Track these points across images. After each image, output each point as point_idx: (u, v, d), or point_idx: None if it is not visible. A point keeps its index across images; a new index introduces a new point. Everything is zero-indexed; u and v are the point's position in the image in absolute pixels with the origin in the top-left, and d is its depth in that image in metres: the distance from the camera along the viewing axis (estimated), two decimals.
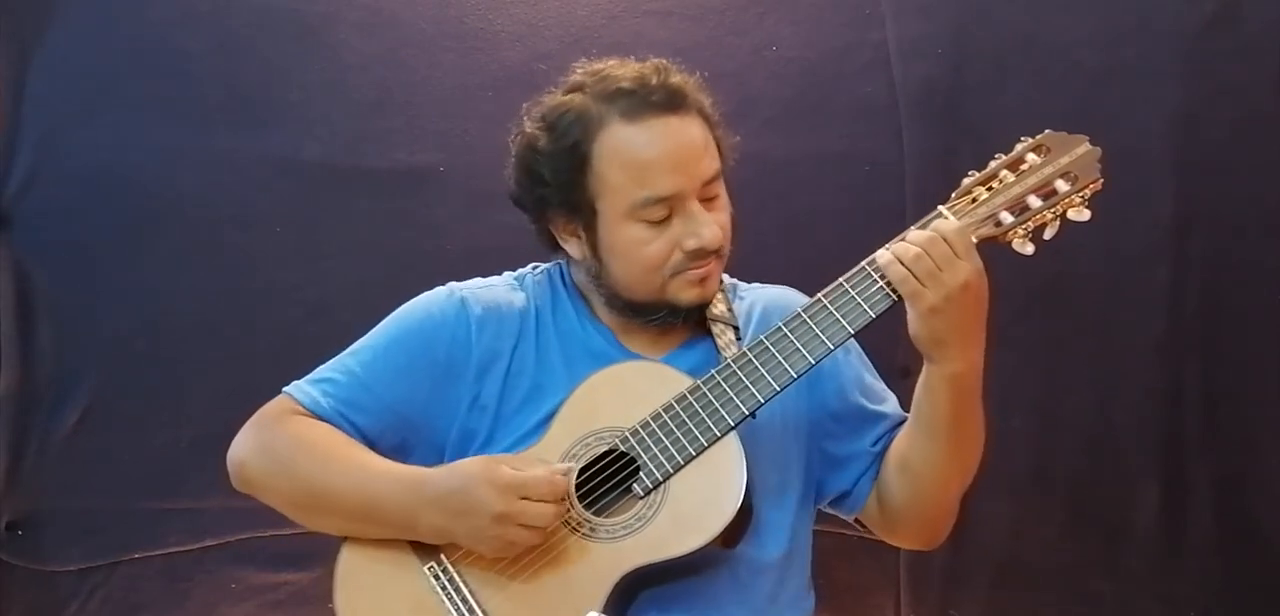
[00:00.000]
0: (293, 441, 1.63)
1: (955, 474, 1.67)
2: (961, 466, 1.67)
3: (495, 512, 1.50)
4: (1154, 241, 2.42)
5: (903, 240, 1.52)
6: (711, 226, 1.60)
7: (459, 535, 1.54)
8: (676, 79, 1.63)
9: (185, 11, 2.52)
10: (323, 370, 1.69)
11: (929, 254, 1.49)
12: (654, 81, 1.61)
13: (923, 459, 1.63)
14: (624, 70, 1.63)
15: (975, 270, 1.50)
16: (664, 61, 1.65)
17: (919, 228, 1.54)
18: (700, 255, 1.61)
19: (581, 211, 1.64)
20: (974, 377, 1.57)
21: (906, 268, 1.50)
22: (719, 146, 1.66)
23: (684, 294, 1.64)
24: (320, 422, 1.64)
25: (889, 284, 1.52)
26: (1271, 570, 2.42)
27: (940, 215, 1.55)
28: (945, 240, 1.49)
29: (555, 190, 1.64)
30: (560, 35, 2.50)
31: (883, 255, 1.53)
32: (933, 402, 1.58)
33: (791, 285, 1.76)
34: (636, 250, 1.62)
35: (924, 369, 1.58)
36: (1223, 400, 2.42)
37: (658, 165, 1.59)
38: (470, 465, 1.55)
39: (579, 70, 1.68)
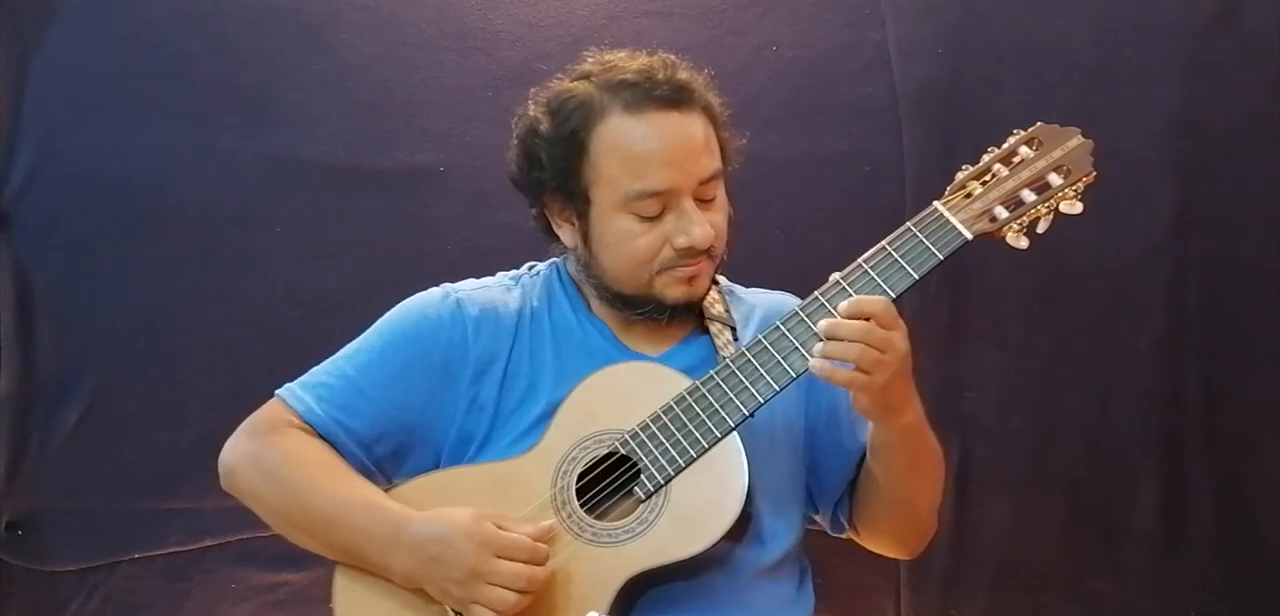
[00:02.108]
0: (283, 458, 1.62)
1: (924, 498, 1.70)
2: (930, 490, 1.70)
3: (469, 568, 1.48)
4: (1154, 241, 2.42)
5: (833, 337, 1.45)
6: (703, 226, 1.60)
7: (428, 584, 1.52)
8: (683, 75, 1.63)
9: (185, 11, 2.52)
10: (316, 373, 1.69)
11: (868, 343, 1.44)
12: (660, 76, 1.61)
13: (890, 499, 1.65)
14: (632, 62, 1.63)
15: (903, 330, 1.48)
16: (673, 57, 1.65)
17: (825, 298, 1.51)
18: (689, 253, 1.61)
19: (576, 199, 1.64)
20: (922, 415, 1.58)
21: (854, 367, 1.45)
22: (723, 147, 1.66)
23: (671, 291, 1.64)
24: (314, 439, 1.64)
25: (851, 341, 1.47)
26: (1271, 570, 2.41)
27: (840, 289, 1.52)
28: (877, 321, 1.45)
29: (551, 175, 1.64)
30: (560, 35, 2.50)
31: (816, 362, 1.46)
32: (891, 456, 1.60)
33: (791, 283, 1.76)
34: (626, 243, 1.61)
35: (875, 431, 1.58)
36: (1223, 400, 2.42)
37: (653, 159, 1.58)
38: (456, 515, 1.53)
39: (589, 58, 1.68)
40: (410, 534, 1.53)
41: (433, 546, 1.51)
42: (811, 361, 1.48)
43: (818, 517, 1.77)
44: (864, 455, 1.67)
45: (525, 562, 1.49)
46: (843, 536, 1.78)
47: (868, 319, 1.45)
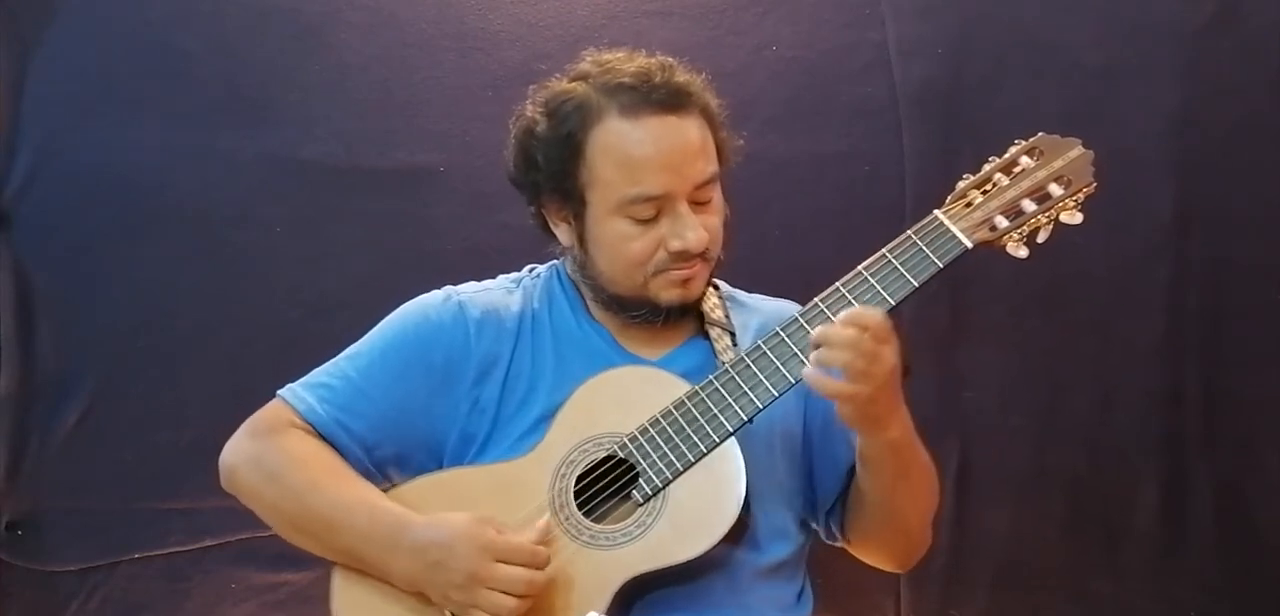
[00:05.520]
0: (284, 458, 1.62)
1: (913, 513, 1.69)
2: (920, 506, 1.70)
3: (469, 572, 1.49)
4: (1154, 241, 2.42)
5: (825, 344, 1.46)
6: (697, 230, 1.60)
7: (428, 587, 1.53)
8: (680, 78, 1.62)
9: (185, 11, 2.52)
10: (318, 374, 1.69)
11: (858, 353, 1.44)
12: (657, 79, 1.60)
13: (878, 512, 1.65)
14: (629, 64, 1.63)
15: (895, 346, 1.48)
16: (670, 59, 1.65)
17: (825, 305, 1.52)
18: (683, 257, 1.61)
19: (572, 200, 1.64)
20: (909, 430, 1.58)
21: (841, 382, 1.45)
22: (720, 149, 1.66)
23: (665, 293, 1.64)
24: (315, 440, 1.64)
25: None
26: (1271, 570, 2.41)
27: (840, 296, 1.53)
28: (871, 334, 1.45)
29: (548, 177, 1.65)
30: (560, 35, 2.50)
31: (808, 370, 1.47)
32: (877, 471, 1.59)
33: (791, 283, 1.76)
34: (621, 245, 1.61)
35: (860, 444, 1.57)
36: (1223, 400, 2.42)
37: (649, 164, 1.58)
38: (456, 520, 1.53)
39: (587, 58, 1.68)
40: (411, 537, 1.53)
41: (434, 551, 1.51)
42: (804, 369, 1.48)
43: (814, 525, 1.77)
44: (855, 465, 1.68)
45: (525, 566, 1.49)
46: (836, 545, 1.78)
47: (863, 330, 1.45)
